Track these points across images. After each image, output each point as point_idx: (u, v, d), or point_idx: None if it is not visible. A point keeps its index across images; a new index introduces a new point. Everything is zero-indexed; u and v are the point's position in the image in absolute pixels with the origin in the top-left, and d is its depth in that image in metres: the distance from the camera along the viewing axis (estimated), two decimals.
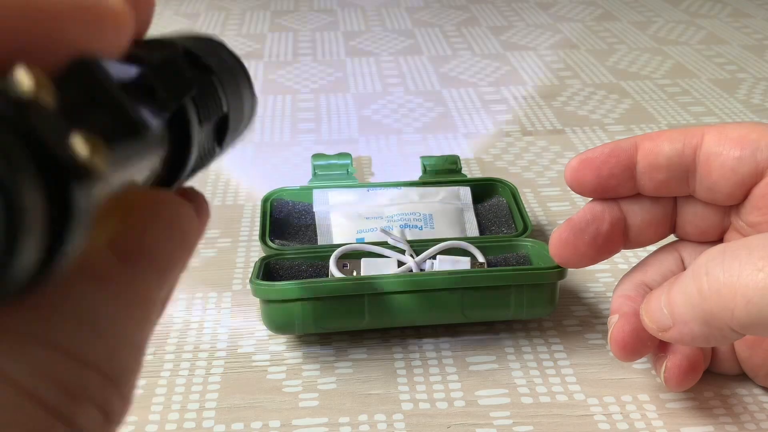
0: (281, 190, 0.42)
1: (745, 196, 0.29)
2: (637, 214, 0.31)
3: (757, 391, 0.32)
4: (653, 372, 0.32)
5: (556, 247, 0.31)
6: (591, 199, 0.31)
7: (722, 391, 0.32)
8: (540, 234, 0.44)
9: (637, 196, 0.31)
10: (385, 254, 0.36)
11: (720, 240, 0.31)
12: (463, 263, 0.35)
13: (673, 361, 0.29)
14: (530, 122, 0.59)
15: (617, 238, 0.31)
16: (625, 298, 0.30)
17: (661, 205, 0.31)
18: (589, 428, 0.30)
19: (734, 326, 0.23)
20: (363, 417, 0.31)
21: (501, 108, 0.62)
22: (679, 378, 0.29)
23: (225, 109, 0.18)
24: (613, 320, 0.30)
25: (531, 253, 0.37)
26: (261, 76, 0.70)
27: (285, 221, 0.41)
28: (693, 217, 0.31)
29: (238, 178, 0.51)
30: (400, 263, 0.36)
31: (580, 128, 0.58)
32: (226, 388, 0.32)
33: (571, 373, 0.33)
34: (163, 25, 0.86)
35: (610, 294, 0.36)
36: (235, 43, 0.79)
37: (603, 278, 0.32)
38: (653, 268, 0.31)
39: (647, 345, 0.29)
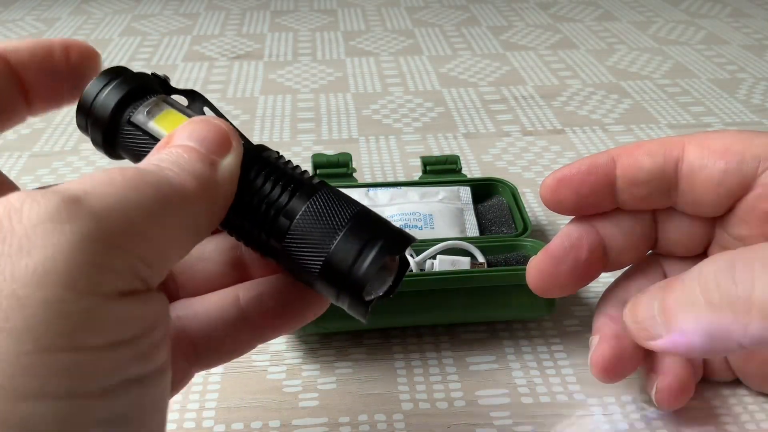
0: None
1: (730, 207, 0.28)
2: (616, 236, 0.29)
3: (756, 391, 0.32)
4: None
5: (534, 278, 0.29)
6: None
7: (722, 392, 0.32)
8: (540, 234, 0.44)
9: (615, 215, 0.29)
10: None
11: (704, 254, 0.30)
12: (463, 263, 0.35)
13: (663, 383, 0.29)
14: (530, 122, 0.59)
15: (596, 263, 0.29)
16: (607, 318, 0.30)
17: (640, 223, 0.30)
18: (589, 428, 0.30)
19: (744, 341, 0.22)
20: (363, 417, 0.31)
21: (501, 108, 0.62)
22: (670, 399, 0.29)
23: None
24: (594, 341, 0.29)
25: (531, 253, 0.37)
26: (261, 76, 0.70)
27: None
28: (676, 231, 0.30)
29: None
30: None
31: (580, 128, 0.58)
32: (226, 387, 0.32)
33: (571, 373, 0.33)
34: (163, 24, 0.86)
35: None
36: (236, 43, 0.79)
37: (603, 278, 0.31)
38: (636, 283, 0.30)
39: (628, 368, 0.29)
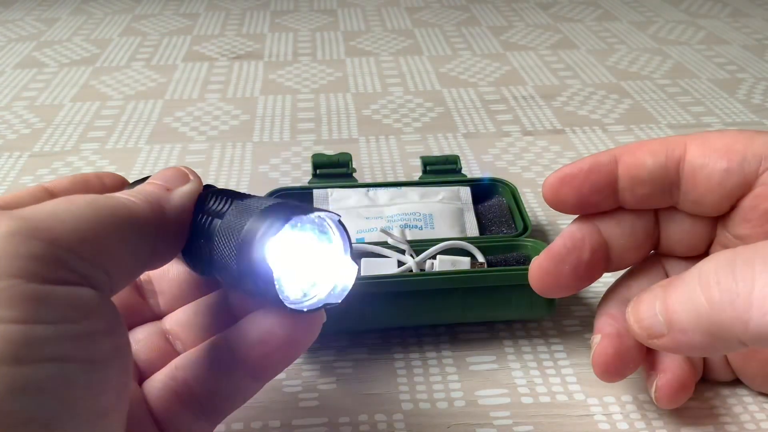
0: (281, 190, 0.42)
1: (732, 207, 0.28)
2: (618, 236, 0.30)
3: (756, 391, 0.32)
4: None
5: (536, 278, 0.29)
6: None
7: (722, 391, 0.32)
8: (540, 234, 0.44)
9: (617, 215, 0.30)
10: (385, 254, 0.36)
11: (706, 253, 0.30)
12: (463, 263, 0.35)
13: (663, 380, 0.29)
14: (530, 122, 0.59)
15: (599, 264, 0.30)
16: (608, 317, 0.30)
17: (642, 223, 0.30)
18: (589, 428, 0.30)
19: (745, 339, 0.22)
20: (363, 417, 0.31)
21: (501, 108, 0.62)
22: (670, 397, 0.29)
23: None
24: (596, 340, 0.29)
25: (531, 253, 0.37)
26: (261, 76, 0.70)
27: None
28: (678, 231, 0.30)
29: (238, 178, 0.51)
30: (400, 263, 0.36)
31: (580, 128, 0.58)
32: None
33: (571, 373, 0.33)
34: (163, 24, 0.86)
35: None
36: (235, 43, 0.79)
37: (604, 278, 0.31)
38: (637, 283, 0.30)
39: (630, 367, 0.29)
